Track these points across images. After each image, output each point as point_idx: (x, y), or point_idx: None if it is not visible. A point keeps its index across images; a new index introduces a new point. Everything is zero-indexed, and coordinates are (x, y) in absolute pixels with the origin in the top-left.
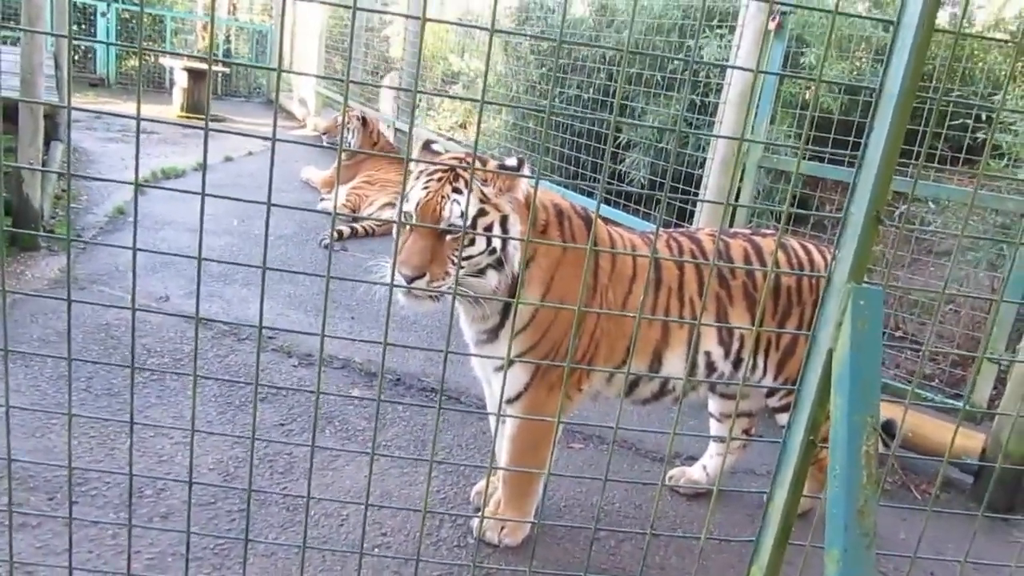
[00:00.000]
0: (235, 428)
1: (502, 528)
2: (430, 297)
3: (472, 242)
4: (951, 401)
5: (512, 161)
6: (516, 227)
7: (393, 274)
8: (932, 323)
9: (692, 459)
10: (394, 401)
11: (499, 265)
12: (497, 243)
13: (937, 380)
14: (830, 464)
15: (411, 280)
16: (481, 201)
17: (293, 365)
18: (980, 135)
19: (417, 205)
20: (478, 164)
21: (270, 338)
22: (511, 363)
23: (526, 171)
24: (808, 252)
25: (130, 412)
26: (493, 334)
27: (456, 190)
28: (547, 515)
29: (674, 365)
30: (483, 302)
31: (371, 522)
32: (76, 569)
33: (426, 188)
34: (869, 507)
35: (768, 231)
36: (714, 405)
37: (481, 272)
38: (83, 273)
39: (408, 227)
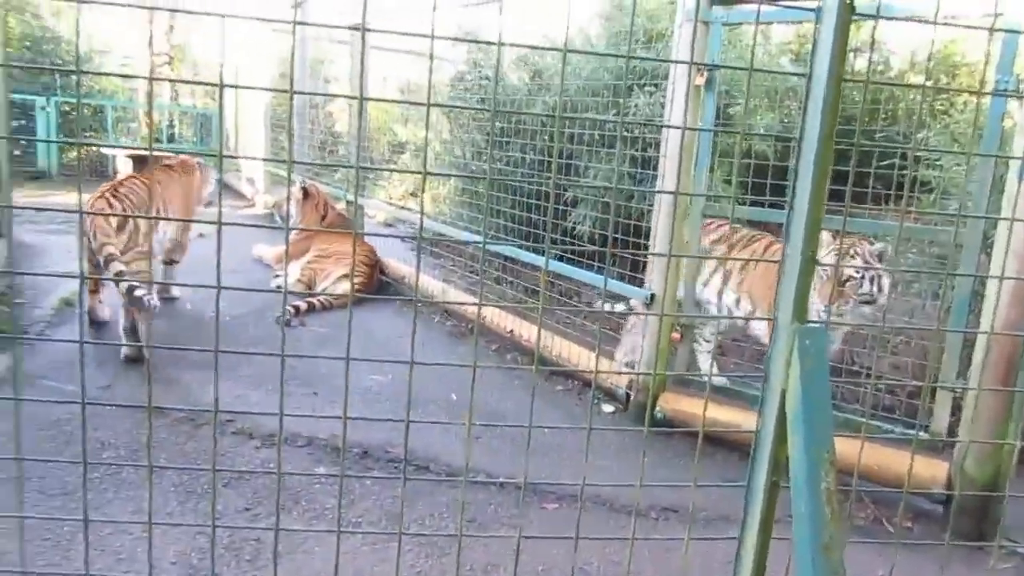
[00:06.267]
0: (198, 517)
1: None
2: None
3: None
4: (909, 432)
5: None
6: None
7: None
8: (873, 353)
9: (668, 511)
10: (360, 476)
11: None
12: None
13: (897, 412)
14: (794, 503)
15: None
16: None
17: (255, 447)
18: (910, 172)
19: None
20: None
21: (229, 421)
22: None
23: None
24: None
25: (83, 509)
26: None
27: None
28: None
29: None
30: None
31: None
32: None
33: None
34: (835, 542)
35: None
36: None
37: None
38: (30, 368)
39: None
